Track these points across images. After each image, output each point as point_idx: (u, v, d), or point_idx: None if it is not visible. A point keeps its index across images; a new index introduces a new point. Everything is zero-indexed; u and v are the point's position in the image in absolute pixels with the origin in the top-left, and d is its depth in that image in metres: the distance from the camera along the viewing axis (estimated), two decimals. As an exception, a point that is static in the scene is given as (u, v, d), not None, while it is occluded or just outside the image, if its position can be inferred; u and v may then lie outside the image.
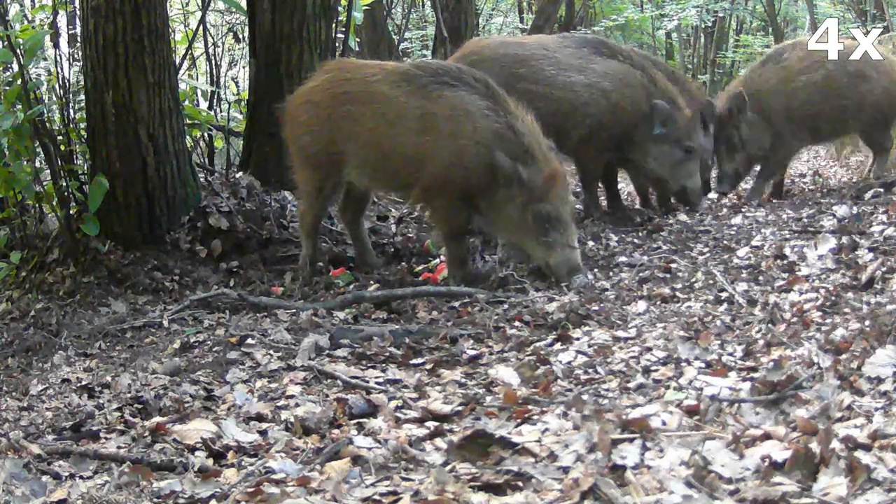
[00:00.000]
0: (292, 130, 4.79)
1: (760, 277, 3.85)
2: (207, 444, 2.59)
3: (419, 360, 3.36)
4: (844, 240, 4.08)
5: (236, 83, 8.88)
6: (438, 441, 2.49)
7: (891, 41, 6.27)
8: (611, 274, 4.35)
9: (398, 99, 4.47)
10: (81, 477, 2.49)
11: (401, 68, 4.69)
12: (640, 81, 5.39)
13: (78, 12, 5.43)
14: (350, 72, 4.70)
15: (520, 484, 2.05)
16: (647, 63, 5.52)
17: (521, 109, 4.43)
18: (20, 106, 4.91)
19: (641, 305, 3.73)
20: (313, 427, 2.70)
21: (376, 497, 2.08)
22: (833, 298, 3.28)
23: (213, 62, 7.79)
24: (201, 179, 5.48)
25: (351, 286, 4.59)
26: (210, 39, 7.81)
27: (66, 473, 2.51)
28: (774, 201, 5.73)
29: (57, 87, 5.53)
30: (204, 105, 6.95)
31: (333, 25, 5.81)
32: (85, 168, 5.31)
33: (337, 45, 5.94)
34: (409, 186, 4.56)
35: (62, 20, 6.60)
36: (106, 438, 2.78)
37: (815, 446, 1.96)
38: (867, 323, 2.83)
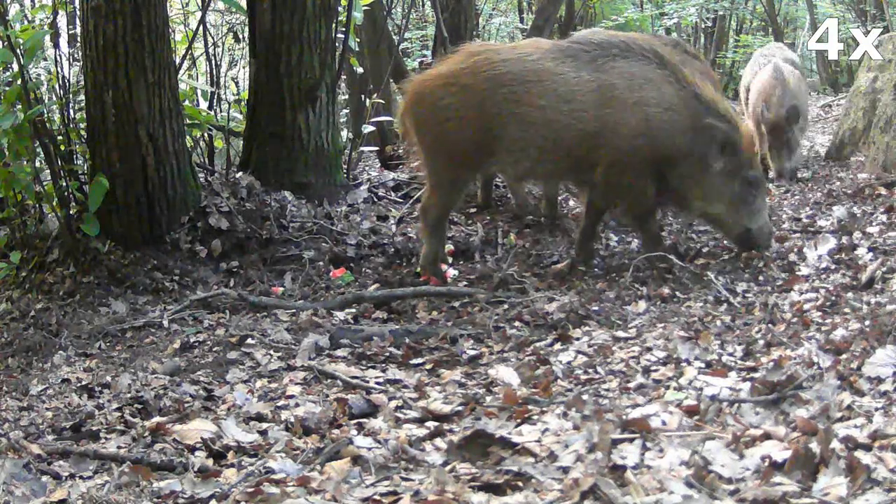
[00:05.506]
0: (428, 116, 4.41)
1: (760, 277, 3.86)
2: (207, 444, 2.59)
3: (419, 360, 3.36)
4: (844, 240, 4.08)
5: (236, 83, 8.86)
6: (438, 441, 2.49)
7: (891, 41, 6.25)
8: (611, 274, 4.36)
9: (568, 74, 4.23)
10: (81, 477, 2.49)
11: (560, 45, 4.45)
12: None
13: (78, 12, 5.42)
14: (502, 52, 4.40)
15: (520, 484, 2.05)
16: None
17: (696, 78, 4.29)
18: (20, 106, 4.89)
19: (641, 305, 3.73)
20: (313, 427, 2.70)
21: (376, 497, 2.08)
22: (833, 298, 3.29)
23: (213, 62, 7.77)
24: (201, 179, 5.47)
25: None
26: (210, 39, 7.79)
27: (66, 473, 2.51)
28: (775, 201, 5.74)
29: (57, 87, 5.51)
30: (204, 105, 6.93)
31: (333, 25, 5.80)
32: (85, 168, 5.30)
33: (337, 45, 5.93)
34: (579, 167, 4.32)
35: (62, 20, 6.57)
36: (106, 438, 2.78)
37: (815, 446, 1.96)
38: (867, 323, 2.83)
